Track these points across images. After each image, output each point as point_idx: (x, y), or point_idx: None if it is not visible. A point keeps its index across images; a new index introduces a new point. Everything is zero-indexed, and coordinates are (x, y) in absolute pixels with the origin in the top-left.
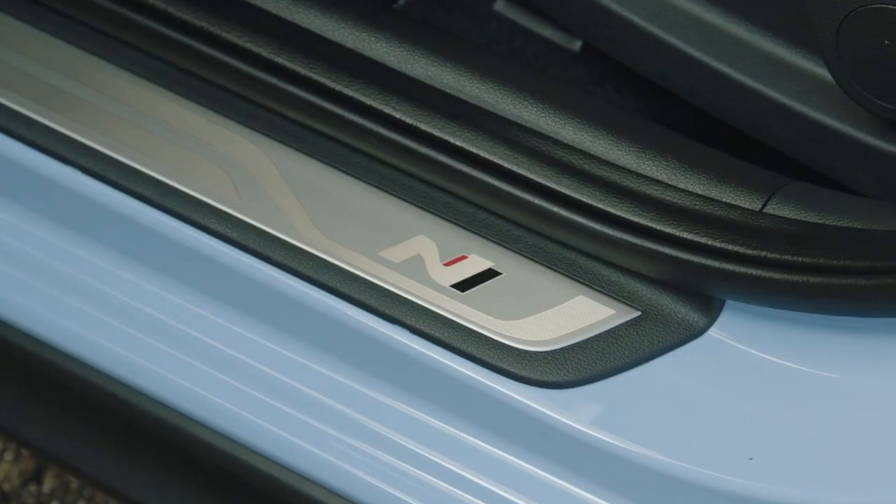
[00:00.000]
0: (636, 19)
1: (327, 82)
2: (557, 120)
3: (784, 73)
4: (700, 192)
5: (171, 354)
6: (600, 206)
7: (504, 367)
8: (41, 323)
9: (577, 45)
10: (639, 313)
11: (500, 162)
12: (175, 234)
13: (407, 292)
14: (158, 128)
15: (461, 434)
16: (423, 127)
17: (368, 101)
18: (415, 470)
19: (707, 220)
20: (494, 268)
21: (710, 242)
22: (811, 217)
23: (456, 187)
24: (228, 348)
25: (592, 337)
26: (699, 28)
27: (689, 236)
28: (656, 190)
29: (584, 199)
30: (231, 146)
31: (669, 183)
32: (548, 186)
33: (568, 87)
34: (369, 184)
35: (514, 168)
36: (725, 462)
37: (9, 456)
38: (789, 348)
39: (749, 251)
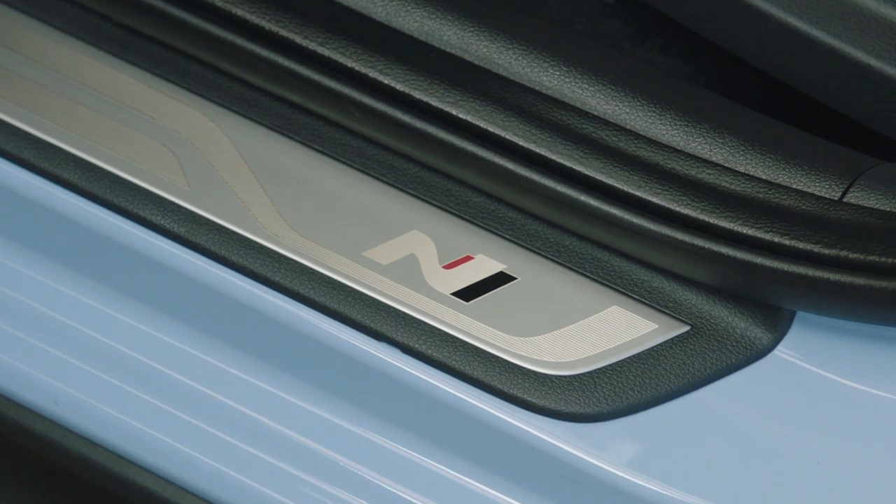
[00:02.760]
0: None
1: (298, 39)
2: (586, 86)
3: (870, 28)
4: (764, 177)
5: (103, 380)
6: (639, 193)
7: (519, 394)
8: None
9: None
10: (688, 328)
11: (514, 139)
12: (108, 230)
13: (398, 302)
14: (86, 96)
15: (465, 479)
16: (417, 95)
17: (349, 63)
18: None
19: (773, 211)
20: (506, 271)
21: (776, 240)
22: None
23: (459, 171)
24: (175, 372)
25: (629, 357)
26: None
27: (751, 232)
28: (710, 174)
29: (619, 186)
30: (178, 119)
31: (726, 165)
32: (573, 169)
33: (599, 46)
34: (351, 166)
35: (532, 146)
36: None
37: None
38: (876, 372)
39: (826, 250)
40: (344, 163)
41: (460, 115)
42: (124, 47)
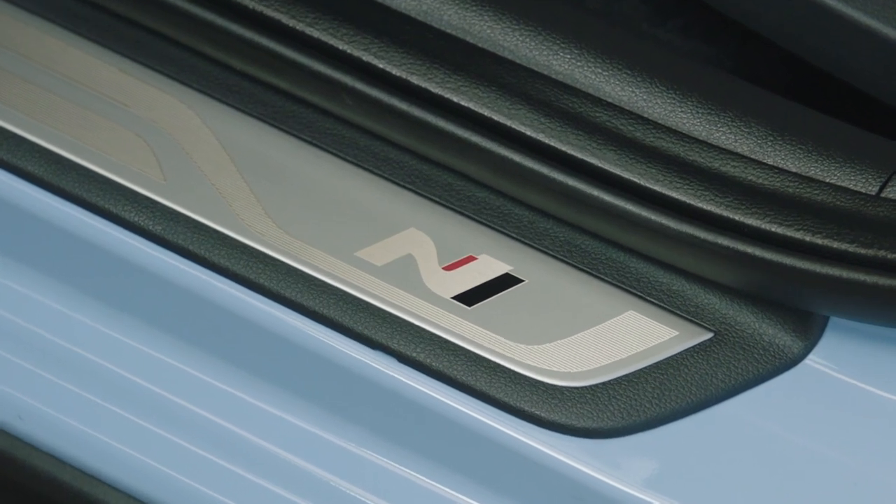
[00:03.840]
0: None
1: (285, 19)
2: (599, 71)
3: None
4: (795, 170)
5: (72, 392)
6: (658, 188)
7: (526, 408)
8: None
9: None
10: (710, 335)
11: (521, 128)
12: (76, 227)
13: (394, 306)
14: (53, 81)
15: (468, 500)
16: (415, 81)
17: (341, 46)
18: None
19: (805, 207)
20: (512, 273)
21: (808, 238)
22: None
23: (460, 163)
24: (150, 384)
25: (647, 367)
26: None
27: (780, 230)
28: (735, 166)
29: (636, 179)
30: (153, 107)
31: (753, 157)
32: (586, 161)
33: (614, 27)
34: (342, 159)
35: (540, 136)
36: None
37: None
38: None
39: (862, 250)
40: (335, 155)
41: (462, 103)
42: (94, 28)
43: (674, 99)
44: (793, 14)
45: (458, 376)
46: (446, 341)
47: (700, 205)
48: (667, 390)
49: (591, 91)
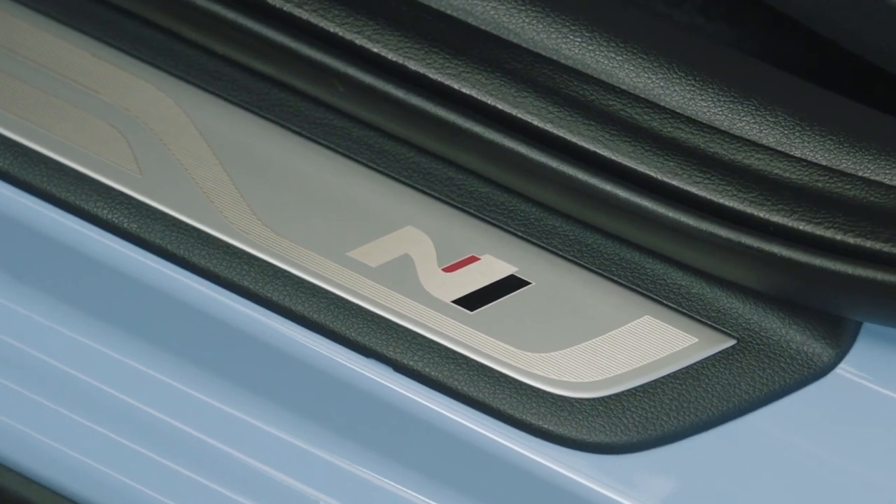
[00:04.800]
0: None
1: (271, 0)
2: (613, 56)
3: None
4: (825, 163)
5: (41, 404)
6: (676, 182)
7: (533, 421)
8: None
9: None
10: (733, 342)
11: (528, 118)
12: (44, 225)
13: (389, 311)
14: (18, 66)
15: None
16: (412, 66)
17: (332, 28)
18: None
19: (836, 203)
20: (518, 274)
21: (839, 237)
22: None
23: (462, 156)
24: (126, 395)
25: (664, 377)
26: None
27: (809, 228)
28: (759, 159)
29: (653, 174)
30: (127, 94)
31: (779, 149)
32: (598, 154)
33: (629, 7)
34: (334, 151)
35: (548, 127)
36: None
37: None
38: None
39: None
40: (326, 146)
41: (463, 90)
42: (63, 8)
43: (693, 85)
44: None
45: (460, 386)
46: (446, 349)
47: (722, 201)
48: (686, 402)
49: (603, 77)
